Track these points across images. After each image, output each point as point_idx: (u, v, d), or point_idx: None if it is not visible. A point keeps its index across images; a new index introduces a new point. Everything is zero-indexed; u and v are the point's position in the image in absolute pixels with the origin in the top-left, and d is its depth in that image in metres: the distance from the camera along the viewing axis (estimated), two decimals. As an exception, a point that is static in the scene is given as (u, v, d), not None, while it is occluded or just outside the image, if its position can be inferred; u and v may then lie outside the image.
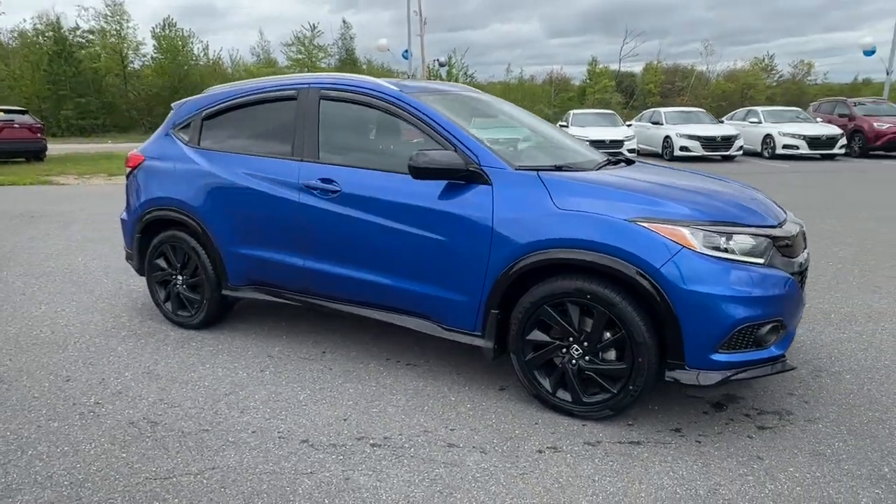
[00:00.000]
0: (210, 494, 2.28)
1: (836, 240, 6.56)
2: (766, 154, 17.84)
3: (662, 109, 19.68)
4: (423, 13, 27.94)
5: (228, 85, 4.10)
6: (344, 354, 3.61)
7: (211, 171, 3.73)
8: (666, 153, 17.49)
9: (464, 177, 2.92)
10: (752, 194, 3.20)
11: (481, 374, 3.32)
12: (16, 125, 16.35)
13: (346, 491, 2.30)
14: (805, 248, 3.01)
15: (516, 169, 2.92)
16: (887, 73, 24.31)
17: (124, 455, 2.54)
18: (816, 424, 2.77)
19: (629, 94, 46.13)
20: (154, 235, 4.05)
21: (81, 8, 54.45)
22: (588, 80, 46.63)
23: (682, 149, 16.96)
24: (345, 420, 2.84)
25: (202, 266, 3.83)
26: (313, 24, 41.79)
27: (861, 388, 3.13)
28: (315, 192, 3.33)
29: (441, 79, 36.10)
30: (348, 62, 42.78)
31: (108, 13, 37.71)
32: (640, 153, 16.63)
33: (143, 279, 4.32)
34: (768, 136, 17.76)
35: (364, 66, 43.47)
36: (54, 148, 19.53)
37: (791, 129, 17.42)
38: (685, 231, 2.55)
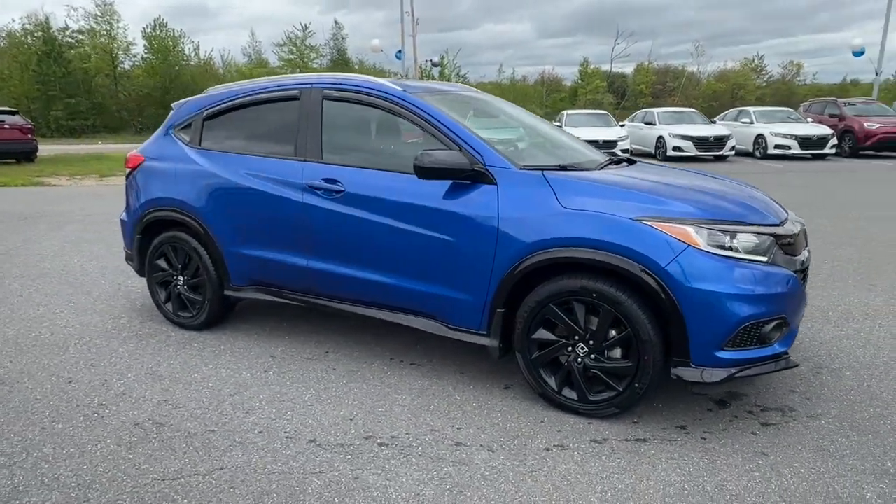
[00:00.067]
0: (220, 495, 2.28)
1: (829, 238, 6.62)
2: (757, 154, 17.99)
3: (655, 110, 19.79)
4: (415, 14, 27.99)
5: (230, 85, 4.09)
6: (347, 354, 3.61)
7: (213, 171, 3.72)
8: (659, 153, 17.59)
9: (469, 176, 2.93)
10: (752, 193, 3.23)
11: (485, 373, 3.34)
12: (6, 126, 16.23)
13: (356, 490, 2.31)
14: (806, 246, 3.04)
15: (521, 169, 2.93)
16: (876, 74, 24.59)
17: (131, 456, 2.53)
18: (819, 421, 2.80)
19: (620, 95, 46.37)
20: (155, 236, 4.03)
21: (71, 8, 54.19)
22: (580, 81, 46.87)
23: (675, 149, 17.06)
24: (351, 420, 2.84)
25: (204, 267, 3.82)
26: (305, 25, 41.78)
27: (861, 384, 3.17)
28: (319, 192, 3.32)
29: (433, 79, 36.11)
30: (340, 62, 42.73)
31: (98, 13, 37.56)
32: (633, 153, 16.71)
33: (142, 280, 4.31)
34: (760, 137, 17.91)
35: (356, 67, 43.44)
36: (44, 149, 19.37)
37: (782, 129, 17.58)
38: (690, 230, 2.57)
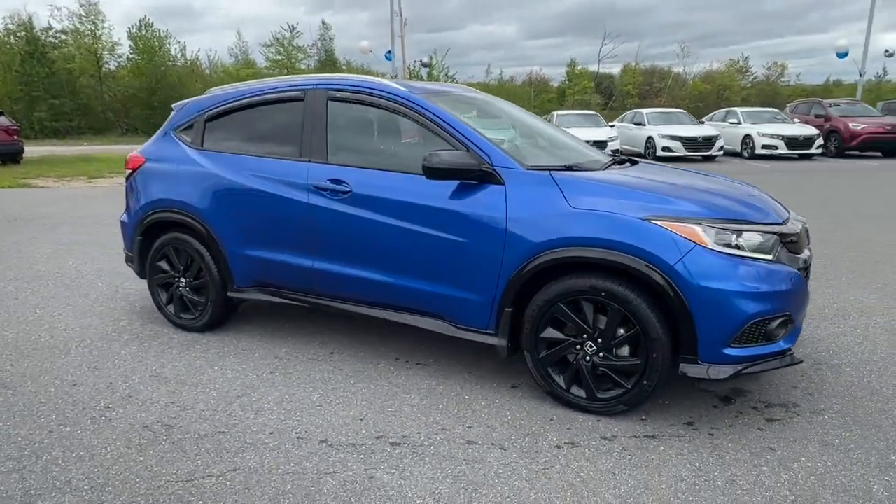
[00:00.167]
0: (235, 496, 2.27)
1: (822, 237, 6.70)
2: (745, 154, 18.18)
3: (645, 110, 19.94)
4: (402, 14, 27.96)
5: (232, 86, 4.07)
6: (352, 355, 3.61)
7: (215, 172, 3.70)
8: (648, 154, 17.72)
9: (476, 177, 2.94)
10: (751, 191, 3.28)
11: (492, 372, 3.35)
12: (-9, 127, 16.00)
13: (371, 489, 2.31)
14: (808, 244, 3.10)
15: (528, 169, 2.96)
16: (860, 75, 24.95)
17: (142, 458, 2.52)
18: (822, 416, 2.85)
19: (608, 96, 46.61)
20: (156, 238, 4.00)
21: (54, 7, 53.47)
22: (567, 82, 47.04)
23: (665, 149, 17.21)
24: (361, 420, 2.84)
25: (206, 268, 3.80)
26: (292, 25, 41.57)
27: (861, 379, 3.23)
28: (325, 192, 3.32)
29: (422, 79, 36.07)
30: (328, 63, 42.53)
31: (83, 13, 37.06)
32: (622, 154, 16.80)
33: (141, 282, 4.28)
34: (748, 137, 18.11)
35: (343, 68, 43.25)
36: (30, 150, 19.08)
37: (770, 129, 17.79)
38: (698, 229, 2.61)
